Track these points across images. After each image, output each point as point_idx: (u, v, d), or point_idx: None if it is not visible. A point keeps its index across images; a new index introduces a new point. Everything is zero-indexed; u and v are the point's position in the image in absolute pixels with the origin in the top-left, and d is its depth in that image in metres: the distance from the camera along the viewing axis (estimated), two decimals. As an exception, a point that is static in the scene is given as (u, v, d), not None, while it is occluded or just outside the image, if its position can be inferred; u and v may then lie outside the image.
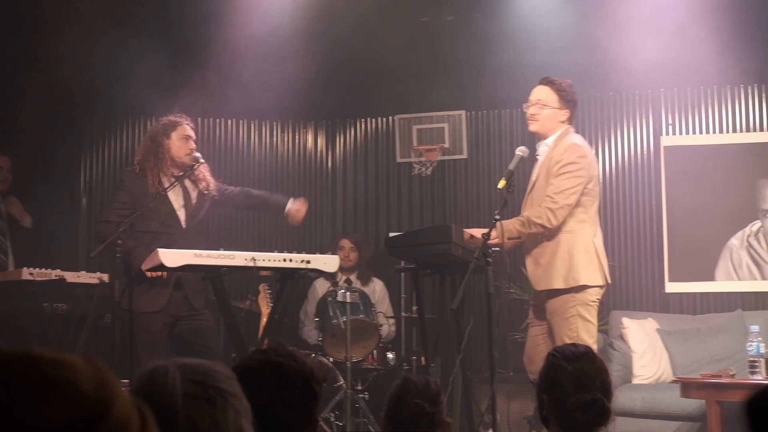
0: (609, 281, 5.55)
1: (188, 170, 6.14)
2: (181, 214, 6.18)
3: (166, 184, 6.06)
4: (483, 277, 5.16)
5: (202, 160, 6.21)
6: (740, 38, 7.22)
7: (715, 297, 7.86)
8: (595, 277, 5.41)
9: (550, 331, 5.50)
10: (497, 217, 5.14)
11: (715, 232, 7.86)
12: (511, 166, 5.35)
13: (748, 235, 7.83)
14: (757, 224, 7.83)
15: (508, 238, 5.45)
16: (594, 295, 5.44)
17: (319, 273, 6.28)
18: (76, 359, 1.04)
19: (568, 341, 5.24)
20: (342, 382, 6.87)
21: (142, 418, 1.04)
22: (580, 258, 5.40)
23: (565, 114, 5.64)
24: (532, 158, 5.89)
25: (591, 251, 5.44)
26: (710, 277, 7.86)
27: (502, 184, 5.27)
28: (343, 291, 7.06)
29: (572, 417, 2.87)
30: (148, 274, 5.79)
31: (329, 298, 7.23)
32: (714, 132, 8.02)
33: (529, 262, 5.63)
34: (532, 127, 5.77)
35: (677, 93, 8.14)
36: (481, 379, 6.89)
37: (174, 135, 6.16)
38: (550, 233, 5.46)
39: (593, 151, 5.81)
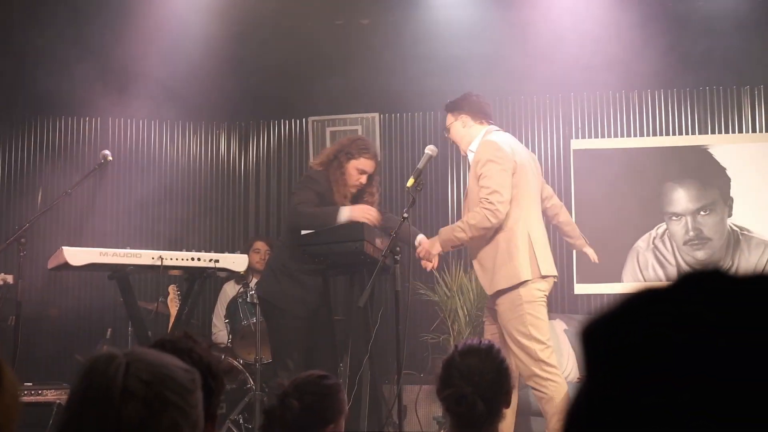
0: (552, 273, 5.43)
1: None
2: None
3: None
4: (391, 276, 5.18)
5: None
6: (647, 44, 7.36)
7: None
8: (533, 269, 5.31)
9: (501, 333, 5.40)
10: (405, 215, 5.16)
11: (623, 234, 7.99)
12: (420, 165, 5.38)
13: (654, 237, 7.98)
14: (662, 227, 7.99)
15: (452, 247, 5.48)
16: (539, 291, 5.34)
17: (229, 273, 6.25)
18: None
19: (521, 338, 5.25)
20: (251, 383, 6.82)
21: None
22: (518, 254, 5.32)
23: (465, 120, 5.62)
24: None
25: (526, 245, 5.35)
26: (617, 279, 7.98)
27: (410, 182, 5.30)
28: (253, 292, 7.00)
29: (448, 409, 2.92)
30: None
31: (239, 300, 7.17)
32: (622, 136, 8.17)
33: (477, 267, 5.53)
34: (461, 152, 5.83)
35: (587, 97, 8.26)
36: (391, 381, 6.90)
37: (353, 162, 5.86)
38: (489, 235, 5.38)
39: (515, 145, 5.67)
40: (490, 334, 5.57)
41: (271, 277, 5.97)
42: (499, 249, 5.37)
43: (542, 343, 5.28)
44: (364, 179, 5.89)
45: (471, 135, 5.62)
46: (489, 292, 5.46)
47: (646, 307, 0.81)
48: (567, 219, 6.10)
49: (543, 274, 5.37)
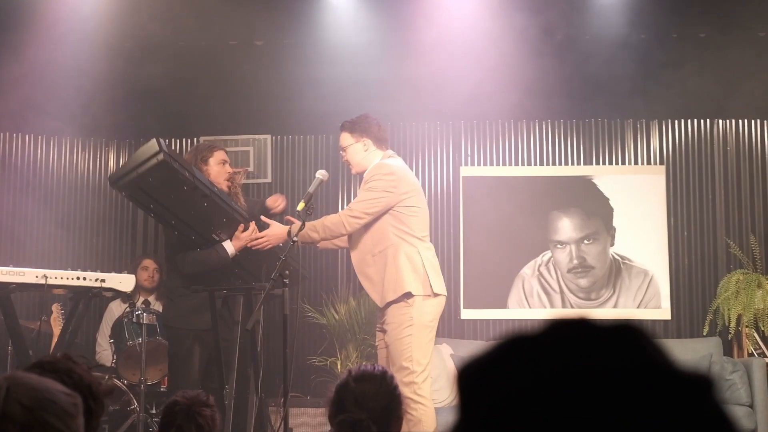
0: (443, 292, 5.49)
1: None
2: None
3: None
4: (280, 298, 5.19)
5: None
6: (537, 76, 7.53)
7: (507, 324, 8.12)
8: (418, 286, 5.36)
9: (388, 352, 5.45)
10: (295, 239, 5.19)
11: (509, 261, 8.14)
12: (311, 189, 5.42)
13: (540, 265, 8.15)
14: (547, 254, 8.16)
15: (302, 242, 5.47)
16: (430, 315, 5.39)
17: (115, 292, 6.17)
18: None
19: (400, 358, 5.28)
20: (135, 405, 6.73)
21: None
22: (404, 267, 5.37)
23: (366, 144, 5.64)
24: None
25: (416, 262, 5.40)
26: (503, 305, 8.12)
27: (301, 206, 5.33)
28: (139, 312, 6.91)
29: None
30: None
31: (125, 320, 7.07)
32: (511, 165, 8.33)
33: (365, 283, 5.58)
34: (352, 171, 5.84)
35: (477, 125, 8.40)
36: (277, 403, 6.89)
37: (211, 161, 5.99)
38: (376, 250, 5.45)
39: (407, 171, 5.78)
40: (382, 357, 5.59)
41: (169, 304, 6.02)
42: (387, 262, 5.41)
43: (421, 365, 5.33)
44: (229, 167, 6.08)
45: (371, 160, 5.65)
46: (381, 304, 5.49)
47: (516, 354, 0.86)
48: None
49: (435, 292, 5.43)
